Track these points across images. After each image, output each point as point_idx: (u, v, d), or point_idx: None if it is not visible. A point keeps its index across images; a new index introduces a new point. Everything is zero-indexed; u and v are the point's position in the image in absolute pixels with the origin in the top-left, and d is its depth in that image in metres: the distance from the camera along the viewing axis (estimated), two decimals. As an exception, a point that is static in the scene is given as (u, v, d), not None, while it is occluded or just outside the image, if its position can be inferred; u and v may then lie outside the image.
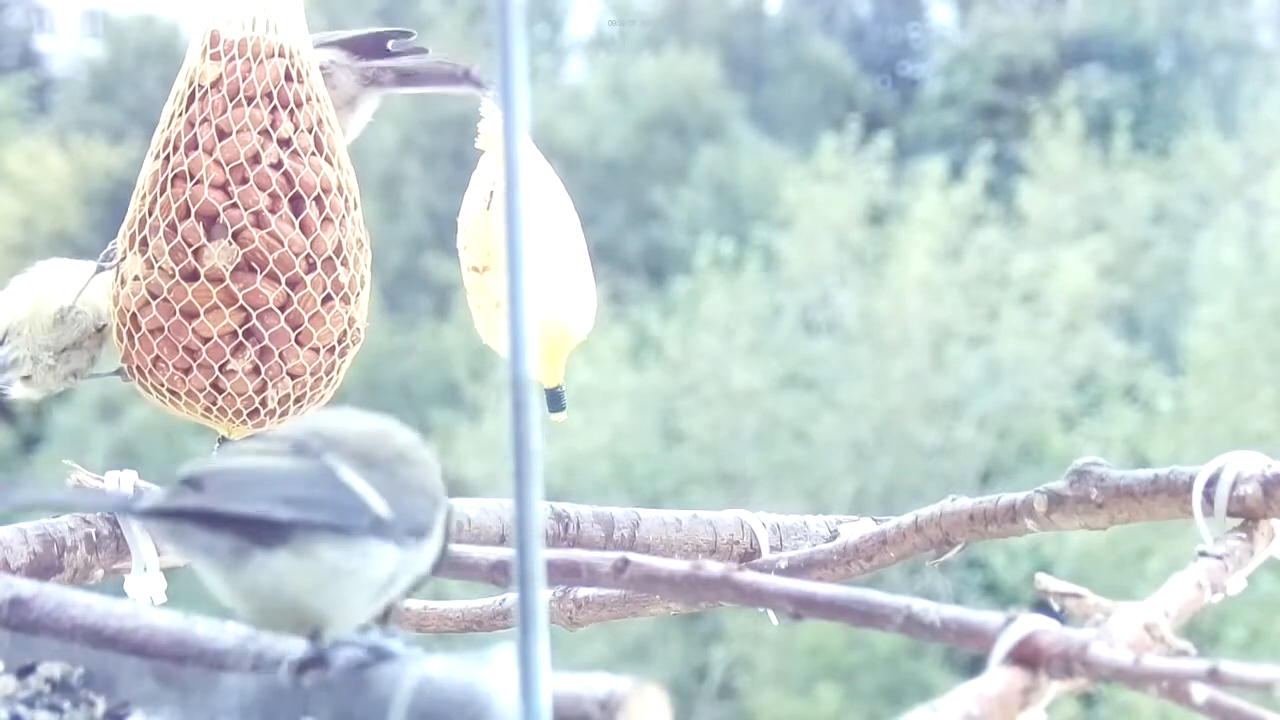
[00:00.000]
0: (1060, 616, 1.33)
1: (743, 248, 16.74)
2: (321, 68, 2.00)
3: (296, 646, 1.17)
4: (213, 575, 1.16)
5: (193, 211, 1.91)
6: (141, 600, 1.79)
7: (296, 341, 1.93)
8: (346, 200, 1.95)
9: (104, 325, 1.99)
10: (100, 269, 2.00)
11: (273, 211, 1.91)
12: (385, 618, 1.21)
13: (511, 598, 1.81)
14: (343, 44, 2.07)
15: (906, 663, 13.27)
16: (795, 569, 1.74)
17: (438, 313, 17.04)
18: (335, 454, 1.17)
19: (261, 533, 1.13)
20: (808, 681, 13.48)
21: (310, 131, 1.93)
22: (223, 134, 1.92)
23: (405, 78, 2.09)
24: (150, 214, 1.93)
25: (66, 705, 1.20)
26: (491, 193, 2.02)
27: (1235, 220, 16.07)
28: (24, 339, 1.99)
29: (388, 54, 2.09)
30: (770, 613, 1.58)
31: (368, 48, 2.08)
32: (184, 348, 1.92)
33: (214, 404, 1.93)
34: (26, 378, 2.00)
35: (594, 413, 15.02)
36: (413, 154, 18.46)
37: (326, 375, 1.96)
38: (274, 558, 1.13)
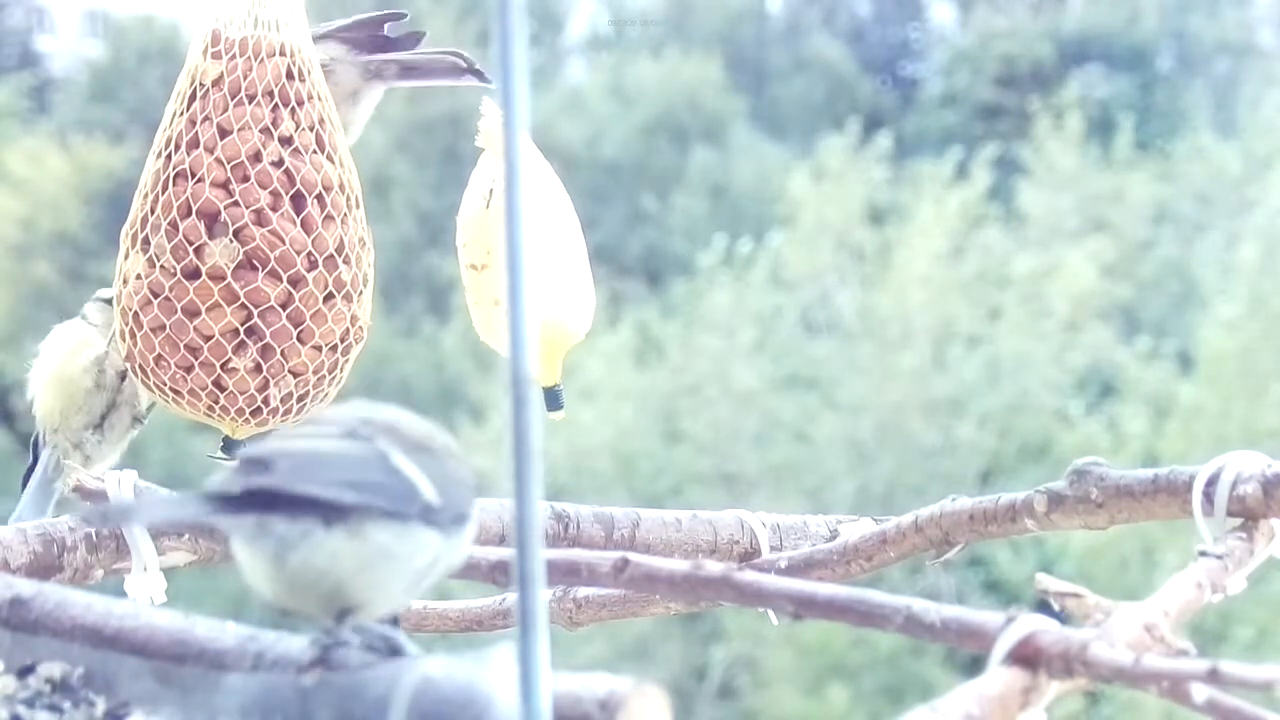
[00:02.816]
0: (1060, 616, 1.33)
1: (743, 248, 16.73)
2: (322, 63, 2.00)
3: (297, 647, 1.16)
4: (261, 555, 1.16)
5: (194, 209, 1.91)
6: (141, 600, 1.79)
7: (298, 339, 1.93)
8: (348, 198, 1.95)
9: (125, 371, 2.01)
10: (100, 359, 2.03)
11: (274, 209, 1.91)
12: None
13: (511, 598, 1.81)
14: (343, 38, 2.06)
15: (908, 662, 13.26)
16: (795, 569, 1.74)
17: (437, 313, 17.03)
18: (387, 440, 1.19)
19: (324, 514, 1.14)
20: (811, 681, 13.48)
21: (311, 129, 1.93)
22: (224, 132, 1.92)
23: (408, 71, 2.08)
24: (152, 212, 1.93)
25: (66, 705, 1.20)
26: (491, 191, 2.02)
27: (1249, 219, 16.06)
28: (61, 434, 2.02)
29: (388, 45, 2.08)
30: (770, 613, 1.58)
31: (367, 38, 2.08)
32: (186, 346, 1.92)
33: (216, 402, 1.93)
34: (87, 458, 2.03)
35: (599, 409, 15.03)
36: (405, 155, 18.44)
37: (329, 374, 1.96)
38: (330, 537, 1.14)
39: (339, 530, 1.15)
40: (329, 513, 1.15)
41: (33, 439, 2.09)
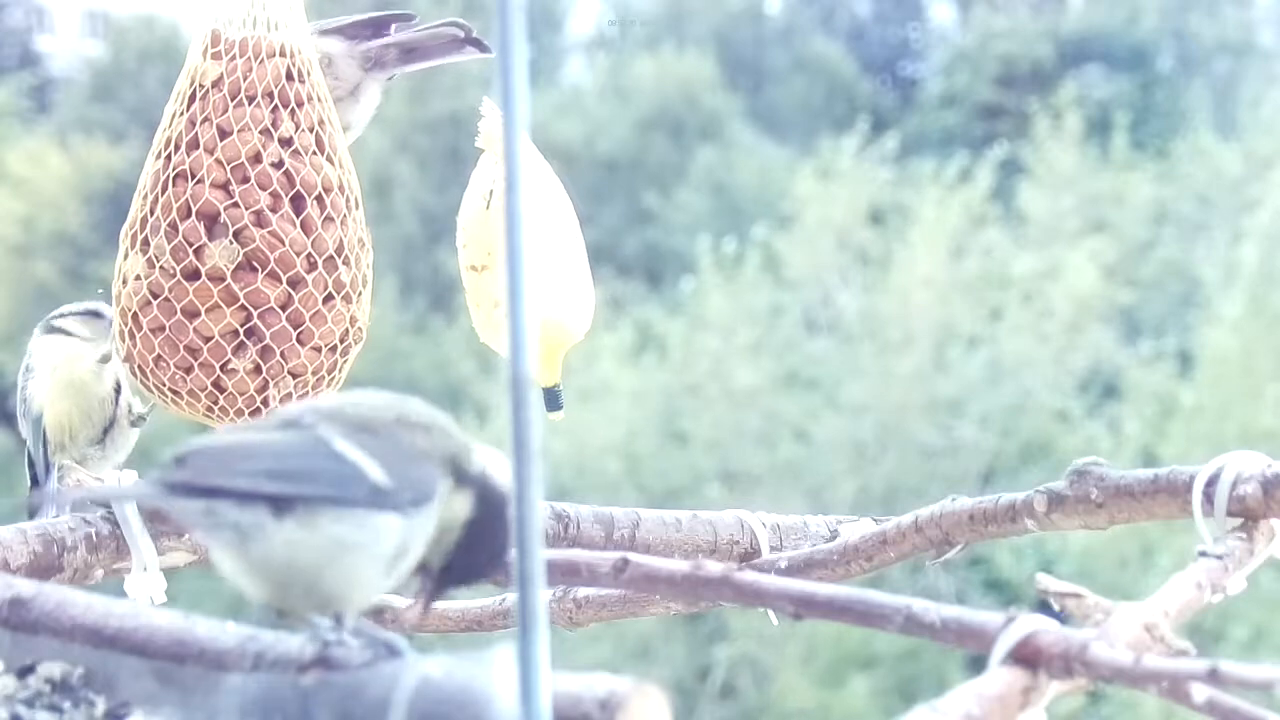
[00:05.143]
0: (1060, 616, 1.33)
1: (743, 248, 16.74)
2: (322, 58, 2.00)
3: (298, 646, 1.17)
4: (222, 549, 1.16)
5: (194, 211, 1.91)
6: (141, 600, 1.79)
7: (298, 341, 1.93)
8: (348, 199, 1.95)
9: (119, 387, 2.02)
10: (106, 356, 2.03)
11: (274, 210, 1.91)
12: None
13: (511, 598, 1.81)
14: (342, 31, 2.06)
15: (921, 657, 13.25)
16: (795, 569, 1.74)
17: (441, 313, 17.03)
18: (329, 425, 1.17)
19: (271, 505, 1.14)
20: (827, 676, 13.48)
21: (311, 131, 1.93)
22: (224, 133, 1.92)
23: (408, 54, 2.07)
24: (151, 213, 1.93)
25: (66, 705, 1.20)
26: (491, 191, 2.02)
27: (1249, 219, 16.05)
28: (67, 453, 2.02)
29: (385, 32, 2.08)
30: (770, 613, 1.58)
31: (368, 32, 2.07)
32: (185, 347, 1.92)
33: (215, 403, 1.93)
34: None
35: (602, 410, 15.03)
36: (407, 154, 18.43)
37: (328, 375, 1.96)
38: (282, 529, 1.14)
39: (289, 521, 1.14)
40: (275, 504, 1.14)
41: (27, 460, 2.08)
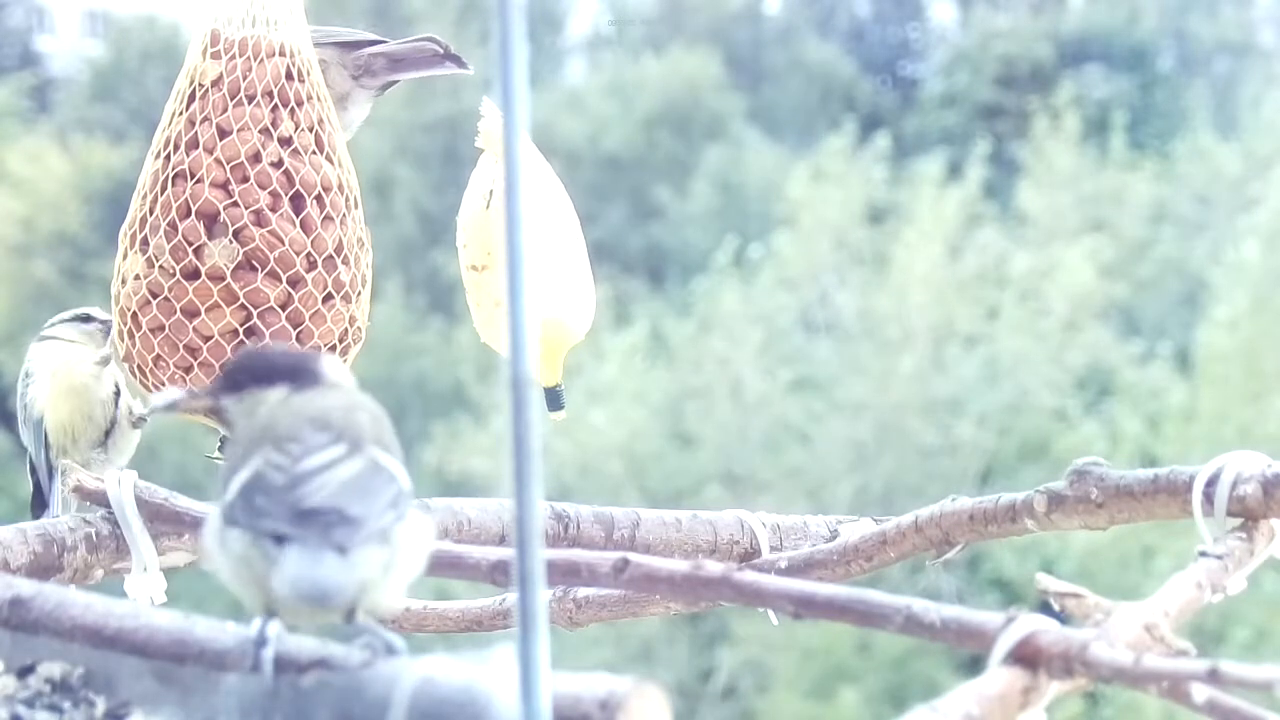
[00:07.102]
0: (1060, 616, 1.33)
1: (745, 248, 16.73)
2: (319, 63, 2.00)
3: (299, 647, 1.16)
4: (296, 561, 1.14)
5: (193, 210, 1.91)
6: (141, 600, 1.79)
7: (297, 340, 1.93)
8: (347, 199, 1.96)
9: (118, 391, 2.03)
10: (105, 359, 2.04)
11: (273, 210, 1.92)
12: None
13: (511, 598, 1.81)
14: (333, 42, 2.07)
15: (914, 662, 13.25)
16: (795, 569, 1.74)
17: (441, 313, 17.03)
18: (366, 441, 1.19)
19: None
20: (819, 684, 13.47)
21: (311, 130, 1.94)
22: (223, 132, 1.92)
23: (396, 63, 2.08)
24: (151, 213, 1.93)
25: (66, 705, 1.20)
26: (491, 191, 2.02)
27: (1249, 219, 16.04)
28: (70, 454, 2.02)
29: (374, 42, 2.09)
30: (770, 613, 1.58)
31: (357, 45, 2.08)
32: (185, 346, 1.92)
33: (215, 403, 1.93)
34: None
35: (607, 410, 15.03)
36: (406, 156, 18.42)
37: (327, 375, 1.96)
38: (366, 546, 1.15)
39: (373, 538, 1.15)
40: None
41: (29, 466, 2.08)
